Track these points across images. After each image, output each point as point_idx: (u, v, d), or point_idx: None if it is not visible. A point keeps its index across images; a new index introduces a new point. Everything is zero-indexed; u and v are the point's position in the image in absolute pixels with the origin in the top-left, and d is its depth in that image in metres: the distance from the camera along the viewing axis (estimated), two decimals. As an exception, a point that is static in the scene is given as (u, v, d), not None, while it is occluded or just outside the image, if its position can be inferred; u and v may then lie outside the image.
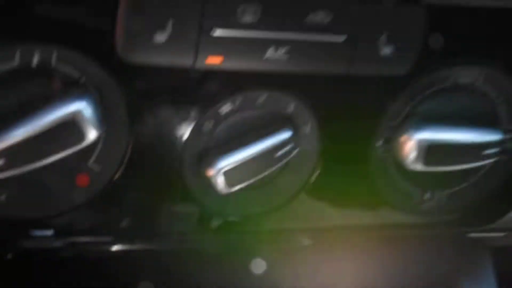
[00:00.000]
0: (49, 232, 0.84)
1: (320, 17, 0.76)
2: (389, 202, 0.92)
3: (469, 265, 1.05)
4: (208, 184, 0.83)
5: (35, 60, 0.74)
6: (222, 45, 0.75)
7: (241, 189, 0.83)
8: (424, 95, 0.87)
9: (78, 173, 0.80)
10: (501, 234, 1.02)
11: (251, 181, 0.83)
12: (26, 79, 0.75)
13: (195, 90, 0.80)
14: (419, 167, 0.87)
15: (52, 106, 0.74)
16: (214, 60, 0.76)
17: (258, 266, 0.92)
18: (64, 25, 0.74)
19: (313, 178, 0.88)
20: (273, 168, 0.84)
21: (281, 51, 0.77)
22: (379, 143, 0.88)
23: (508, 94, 0.89)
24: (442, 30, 0.82)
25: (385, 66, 0.80)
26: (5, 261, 0.87)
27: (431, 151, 0.86)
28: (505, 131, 0.90)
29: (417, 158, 0.86)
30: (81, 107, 0.74)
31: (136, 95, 0.79)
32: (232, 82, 0.80)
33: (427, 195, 0.93)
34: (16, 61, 0.73)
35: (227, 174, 0.82)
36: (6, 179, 0.75)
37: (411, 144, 0.86)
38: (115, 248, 0.89)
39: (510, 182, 0.95)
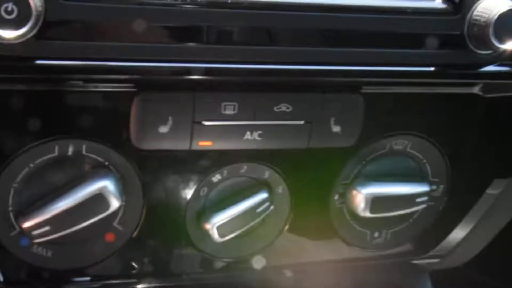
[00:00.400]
0: (87, 278, 0.84)
1: (283, 108, 0.78)
2: (347, 241, 0.92)
3: (412, 285, 1.05)
4: (206, 235, 0.83)
5: (70, 150, 0.76)
6: (210, 132, 0.77)
7: (231, 238, 0.84)
8: (367, 159, 0.88)
9: (106, 232, 0.81)
10: (436, 260, 1.02)
11: (239, 231, 0.84)
12: (64, 165, 0.77)
13: (192, 165, 0.81)
14: (367, 214, 0.88)
15: (84, 184, 0.76)
16: (205, 144, 0.78)
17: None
18: (91, 124, 0.76)
19: (287, 226, 0.88)
20: (256, 221, 0.84)
21: (256, 134, 0.78)
22: (336, 197, 0.89)
23: (430, 155, 0.90)
24: (378, 111, 0.84)
25: (336, 141, 0.81)
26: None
27: (375, 201, 0.87)
28: (431, 183, 0.91)
29: (365, 208, 0.87)
30: (106, 184, 0.76)
31: (148, 172, 0.80)
32: (220, 158, 0.81)
33: (376, 234, 0.93)
34: (55, 152, 0.76)
35: (219, 227, 0.82)
36: (52, 240, 0.77)
37: (360, 198, 0.87)
38: (138, 287, 0.88)
39: (438, 221, 0.95)
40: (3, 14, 0.62)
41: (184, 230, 0.85)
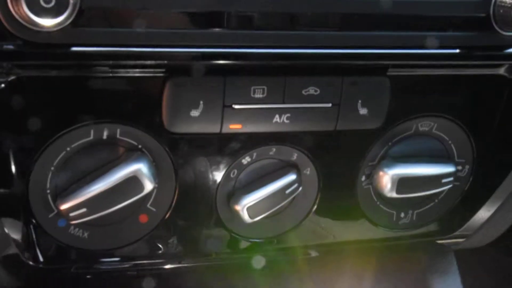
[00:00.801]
0: (121, 258, 0.87)
1: (311, 92, 0.80)
2: (373, 222, 0.94)
3: (438, 265, 1.07)
4: (236, 216, 0.85)
5: (105, 134, 0.78)
6: (240, 116, 0.79)
7: (260, 219, 0.85)
8: (394, 141, 0.89)
9: (140, 213, 0.83)
10: (462, 240, 1.03)
11: (268, 213, 0.85)
12: (99, 148, 0.79)
13: (222, 148, 0.83)
14: (394, 194, 0.89)
15: (119, 167, 0.78)
16: (235, 127, 0.79)
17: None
18: (125, 109, 0.78)
19: (315, 207, 0.90)
20: (284, 202, 0.86)
21: (284, 117, 0.80)
22: (363, 178, 0.90)
23: (456, 137, 0.91)
24: (404, 93, 0.85)
25: (363, 123, 0.83)
26: (87, 279, 0.91)
27: (402, 182, 0.88)
28: (456, 164, 0.92)
29: (392, 188, 0.89)
30: (140, 167, 0.78)
31: (180, 155, 0.82)
32: (249, 141, 0.83)
33: (402, 215, 0.95)
34: (91, 136, 0.78)
35: (249, 208, 0.84)
36: (88, 222, 0.79)
37: (386, 178, 0.88)
38: (167, 266, 0.91)
39: (464, 201, 0.97)
40: (42, 3, 0.64)
41: (215, 212, 0.87)
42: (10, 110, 0.74)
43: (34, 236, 0.82)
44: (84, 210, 0.78)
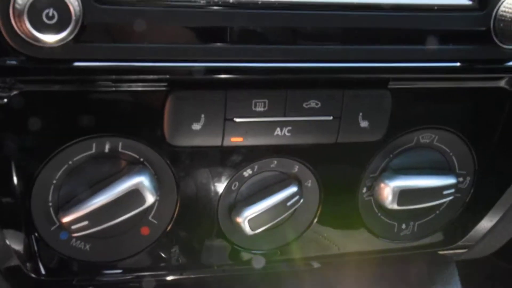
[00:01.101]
0: (123, 270, 0.87)
1: (312, 105, 0.80)
2: (374, 233, 0.94)
3: (439, 276, 1.07)
4: (237, 228, 0.86)
5: (107, 148, 0.79)
6: (242, 129, 0.79)
7: (262, 231, 0.86)
8: (395, 153, 0.90)
9: (142, 226, 0.84)
10: (463, 250, 1.03)
11: (269, 225, 0.86)
12: (101, 161, 0.80)
13: (224, 161, 0.84)
14: (395, 206, 0.89)
15: (121, 180, 0.79)
16: (236, 140, 0.80)
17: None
18: (127, 123, 0.79)
19: (316, 219, 0.91)
20: (286, 214, 0.87)
21: (285, 130, 0.81)
22: (364, 190, 0.91)
23: (457, 149, 0.92)
24: (405, 105, 0.86)
25: (364, 136, 0.84)
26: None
27: (403, 194, 0.89)
28: (458, 176, 0.92)
29: (393, 200, 0.89)
30: (142, 180, 0.79)
31: (181, 168, 0.82)
32: (251, 153, 0.84)
33: (403, 226, 0.95)
34: (93, 149, 0.79)
35: (251, 220, 0.85)
36: (90, 234, 0.80)
37: (387, 190, 0.89)
38: (169, 278, 0.91)
39: (465, 212, 0.97)
40: (45, 19, 0.65)
41: (216, 224, 0.87)
42: (13, 124, 0.75)
43: (36, 248, 0.83)
44: (86, 223, 0.79)
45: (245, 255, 0.91)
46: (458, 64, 0.82)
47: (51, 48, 0.68)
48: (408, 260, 1.03)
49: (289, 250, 0.92)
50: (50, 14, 0.65)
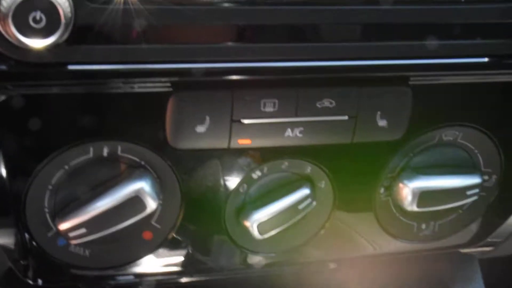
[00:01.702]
0: (125, 276, 0.85)
1: (326, 104, 0.76)
2: (392, 234, 0.91)
3: (462, 274, 1.03)
4: (246, 232, 0.83)
5: (105, 152, 0.76)
6: (250, 130, 0.76)
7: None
8: (415, 151, 0.86)
9: (144, 230, 0.81)
10: (486, 249, 1.00)
11: (279, 229, 0.83)
12: (99, 166, 0.77)
13: (231, 163, 0.81)
14: (415, 208, 0.86)
15: (120, 185, 0.76)
16: (244, 142, 0.76)
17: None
18: (126, 125, 0.76)
19: (330, 221, 0.87)
20: (297, 218, 0.84)
21: (297, 131, 0.77)
22: (381, 190, 0.87)
23: (482, 146, 0.88)
24: (427, 102, 0.82)
25: (382, 135, 0.80)
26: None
27: (423, 196, 0.85)
28: (483, 174, 0.88)
29: (412, 202, 0.86)
30: (143, 185, 0.76)
31: (185, 171, 0.79)
32: (260, 155, 0.81)
33: (423, 226, 0.92)
34: (90, 153, 0.76)
35: (260, 225, 0.82)
36: (89, 241, 0.77)
37: (406, 191, 0.86)
38: (174, 283, 0.89)
39: (489, 211, 0.94)
40: (31, 23, 0.61)
41: (224, 227, 0.84)
42: (6, 127, 0.73)
43: (32, 255, 0.80)
44: (83, 230, 0.77)
45: (253, 259, 0.89)
46: (486, 59, 0.77)
47: (40, 52, 0.63)
48: (428, 258, 0.99)
49: (301, 253, 0.90)
50: (38, 17, 0.61)
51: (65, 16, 0.61)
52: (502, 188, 0.92)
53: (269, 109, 0.75)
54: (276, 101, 0.75)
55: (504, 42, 0.76)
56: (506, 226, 0.97)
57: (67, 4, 0.61)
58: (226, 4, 0.68)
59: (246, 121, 0.75)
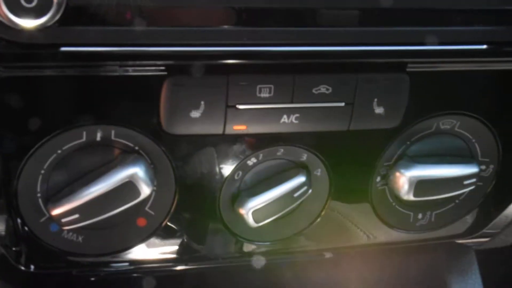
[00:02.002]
0: (119, 263, 0.84)
1: (322, 90, 0.75)
2: (388, 223, 0.90)
3: (458, 264, 1.03)
4: (241, 220, 0.82)
5: (98, 136, 0.74)
6: (245, 116, 0.75)
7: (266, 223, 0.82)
8: (412, 140, 0.85)
9: (138, 217, 0.80)
10: (483, 239, 0.99)
11: (274, 217, 0.82)
12: (93, 150, 0.75)
13: (226, 149, 0.79)
14: (411, 197, 0.85)
15: (114, 171, 0.74)
16: (239, 128, 0.76)
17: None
18: (120, 109, 0.74)
19: (325, 209, 0.86)
20: (292, 206, 0.83)
21: (293, 117, 0.76)
22: (378, 179, 0.86)
23: (480, 135, 0.87)
24: (424, 90, 0.80)
25: (379, 122, 0.79)
26: (82, 284, 0.89)
27: (420, 185, 0.84)
28: (480, 164, 0.88)
29: (409, 191, 0.85)
30: (136, 171, 0.74)
31: (180, 157, 0.78)
32: (255, 141, 0.79)
33: (419, 216, 0.91)
34: (83, 138, 0.74)
35: (255, 212, 0.81)
36: (82, 226, 0.76)
37: (403, 180, 0.84)
38: (169, 270, 0.89)
39: (487, 201, 0.93)
40: (23, 2, 0.60)
41: (218, 215, 0.83)
42: (-3, 110, 0.71)
43: (24, 241, 0.79)
44: (77, 216, 0.76)
45: (249, 247, 0.88)
46: (484, 46, 0.76)
47: (32, 33, 0.62)
48: (424, 249, 0.99)
49: (297, 242, 0.89)
50: (29, -4, 0.60)
51: None
52: (499, 178, 0.91)
53: (264, 94, 0.74)
54: (272, 86, 0.74)
55: (504, 29, 0.75)
56: (503, 217, 0.96)
57: None
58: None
59: (241, 107, 0.74)
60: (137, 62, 0.70)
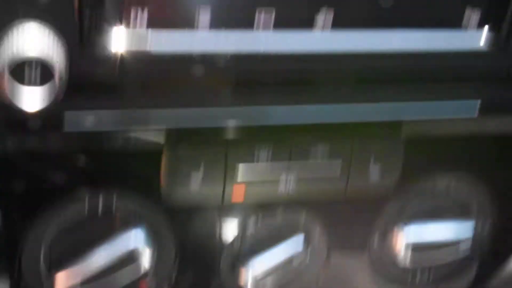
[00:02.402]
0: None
1: (318, 148, 0.75)
2: (388, 281, 0.91)
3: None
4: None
5: (100, 206, 0.76)
6: (244, 176, 0.74)
7: None
8: (408, 200, 0.87)
9: (140, 284, 0.81)
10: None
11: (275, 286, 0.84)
12: (94, 221, 0.76)
13: (226, 211, 0.81)
14: (407, 264, 0.88)
15: (115, 244, 0.76)
16: (238, 188, 0.75)
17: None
18: (120, 178, 0.76)
19: (324, 271, 0.88)
20: (292, 274, 0.85)
21: (291, 175, 0.75)
22: (375, 241, 0.88)
23: (476, 193, 0.89)
24: (420, 150, 0.81)
25: (375, 181, 0.78)
26: None
27: (416, 250, 0.87)
28: (477, 222, 0.89)
29: (405, 258, 0.88)
30: (138, 246, 0.77)
31: (179, 222, 0.80)
32: (255, 204, 0.81)
33: (418, 273, 0.92)
34: (85, 208, 0.76)
35: (254, 279, 0.83)
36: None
37: (399, 246, 0.87)
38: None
39: (485, 258, 0.94)
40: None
41: (219, 280, 0.84)
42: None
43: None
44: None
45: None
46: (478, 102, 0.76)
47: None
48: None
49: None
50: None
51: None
52: (498, 235, 0.93)
53: (263, 154, 0.74)
54: (270, 151, 0.74)
55: (494, 88, 0.76)
56: (502, 272, 0.97)
57: None
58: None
59: (240, 167, 0.74)
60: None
